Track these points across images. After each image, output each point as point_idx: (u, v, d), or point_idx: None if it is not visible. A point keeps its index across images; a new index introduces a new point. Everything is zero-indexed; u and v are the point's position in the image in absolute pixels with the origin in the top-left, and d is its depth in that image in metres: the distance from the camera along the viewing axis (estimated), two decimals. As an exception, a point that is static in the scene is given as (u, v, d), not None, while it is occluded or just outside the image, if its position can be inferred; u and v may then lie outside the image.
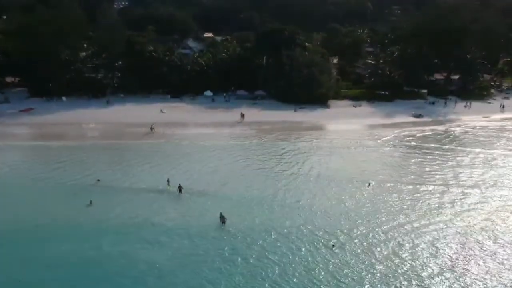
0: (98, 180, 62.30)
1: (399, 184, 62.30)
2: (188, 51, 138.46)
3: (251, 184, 61.96)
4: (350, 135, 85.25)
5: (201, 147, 77.32)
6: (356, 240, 47.68)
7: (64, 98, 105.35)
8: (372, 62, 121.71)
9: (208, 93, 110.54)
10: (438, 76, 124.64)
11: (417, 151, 76.92)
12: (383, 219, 52.32)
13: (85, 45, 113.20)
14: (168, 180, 60.40)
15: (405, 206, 55.63)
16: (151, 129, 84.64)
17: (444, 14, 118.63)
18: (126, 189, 60.23)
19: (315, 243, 47.01)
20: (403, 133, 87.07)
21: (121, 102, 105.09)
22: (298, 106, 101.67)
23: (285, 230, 49.72)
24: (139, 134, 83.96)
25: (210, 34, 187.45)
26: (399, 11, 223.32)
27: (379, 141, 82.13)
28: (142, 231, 49.30)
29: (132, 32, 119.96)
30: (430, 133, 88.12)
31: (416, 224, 51.10)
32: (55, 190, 59.76)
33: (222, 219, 51.26)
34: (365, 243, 47.13)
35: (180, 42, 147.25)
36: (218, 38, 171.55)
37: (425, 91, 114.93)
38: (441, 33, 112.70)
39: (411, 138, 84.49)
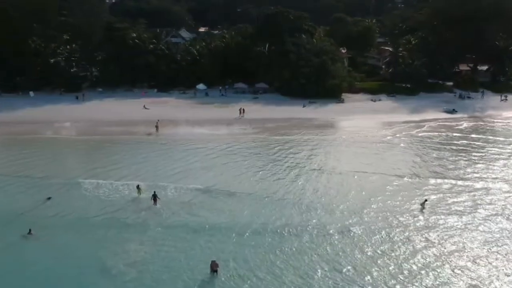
0: (49, 198, 43.00)
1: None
2: (179, 39, 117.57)
3: (260, 203, 42.44)
4: (376, 134, 65.52)
5: (188, 150, 57.71)
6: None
7: (31, 93, 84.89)
8: (390, 49, 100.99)
9: (201, 86, 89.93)
10: (462, 67, 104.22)
11: (468, 153, 57.52)
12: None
13: (61, 35, 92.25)
14: (138, 187, 43.83)
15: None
16: (156, 127, 65.22)
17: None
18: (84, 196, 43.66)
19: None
20: (441, 132, 67.43)
21: (99, 97, 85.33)
22: (307, 101, 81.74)
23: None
24: (114, 134, 64.41)
25: (206, 29, 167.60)
26: (402, 5, 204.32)
27: (416, 142, 62.16)
28: None
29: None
30: (473, 130, 68.66)
31: None
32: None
33: (214, 266, 31.30)
34: None
35: (171, 31, 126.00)
36: (214, 32, 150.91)
37: (450, 83, 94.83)
38: (467, 16, 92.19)
39: (452, 137, 64.99)
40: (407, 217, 39.48)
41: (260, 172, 49.83)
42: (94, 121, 70.26)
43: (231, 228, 37.28)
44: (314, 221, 38.71)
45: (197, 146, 58.58)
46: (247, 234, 36.57)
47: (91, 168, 51.07)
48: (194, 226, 37.72)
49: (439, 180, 47.69)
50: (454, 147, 59.64)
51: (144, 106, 77.68)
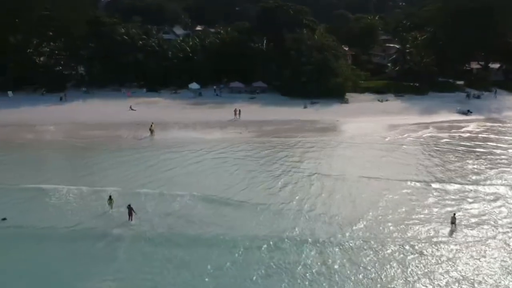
0: (4, 219, 35.04)
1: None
2: (171, 36, 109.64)
3: (256, 213, 36.39)
4: (385, 138, 57.97)
5: (173, 155, 50.37)
6: None
7: (10, 93, 77.09)
8: (397, 46, 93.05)
9: (194, 85, 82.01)
10: (473, 65, 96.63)
11: (489, 157, 50.33)
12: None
13: (44, 31, 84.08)
14: (110, 198, 36.55)
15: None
16: (150, 130, 57.66)
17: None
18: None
19: None
20: (456, 135, 60.02)
21: (82, 97, 77.57)
22: (309, 101, 74.00)
23: None
24: (95, 137, 56.85)
25: (202, 28, 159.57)
26: (403, 3, 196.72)
27: (430, 146, 54.78)
28: None
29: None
30: (491, 133, 61.42)
31: None
32: None
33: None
34: None
35: (163, 28, 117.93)
36: (211, 30, 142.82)
37: (461, 82, 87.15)
38: (479, 10, 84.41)
39: (469, 140, 57.44)
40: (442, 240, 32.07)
41: (257, 179, 43.43)
42: (74, 123, 63.04)
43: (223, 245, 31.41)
44: (322, 234, 32.94)
45: (184, 152, 51.40)
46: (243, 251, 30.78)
47: (63, 174, 45.23)
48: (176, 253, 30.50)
49: (460, 187, 41.88)
50: (471, 151, 52.82)
51: (130, 107, 69.92)
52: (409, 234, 32.93)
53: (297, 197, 39.00)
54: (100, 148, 53.09)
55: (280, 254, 30.33)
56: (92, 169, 46.10)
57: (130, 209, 34.73)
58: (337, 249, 30.93)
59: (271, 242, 31.57)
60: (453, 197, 39.48)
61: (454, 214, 34.37)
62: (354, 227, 33.75)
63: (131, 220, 34.52)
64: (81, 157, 50.59)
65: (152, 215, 35.86)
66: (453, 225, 33.49)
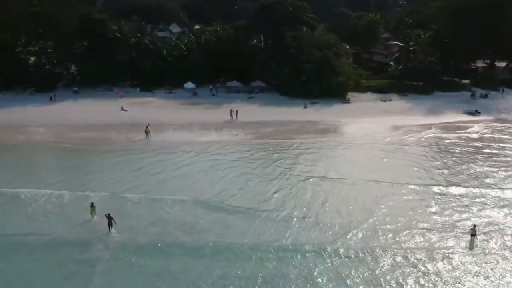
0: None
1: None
2: (166, 34, 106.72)
3: (253, 220, 33.84)
4: (390, 140, 54.90)
5: (162, 157, 47.88)
6: None
7: (-2, 93, 74.60)
8: (401, 44, 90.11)
9: (190, 85, 79.22)
10: (478, 63, 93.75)
11: (500, 159, 46.95)
12: None
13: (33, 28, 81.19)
14: (92, 205, 34.02)
15: None
16: (146, 133, 54.59)
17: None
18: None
19: None
20: (464, 136, 56.91)
21: (72, 97, 75.07)
22: (309, 101, 71.24)
23: None
24: (84, 139, 54.09)
25: (201, 26, 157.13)
26: (404, 1, 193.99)
27: (437, 148, 51.94)
28: None
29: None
30: (502, 134, 58.15)
31: None
32: None
33: None
34: None
35: (159, 25, 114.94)
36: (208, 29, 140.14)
37: (466, 81, 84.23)
38: (484, 7, 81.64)
39: (478, 141, 54.20)
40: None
41: (251, 183, 40.95)
42: (63, 124, 60.30)
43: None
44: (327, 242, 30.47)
45: (177, 153, 48.91)
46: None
47: (47, 177, 42.48)
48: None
49: (475, 190, 39.27)
50: (480, 153, 49.81)
51: (121, 108, 67.05)
52: (411, 245, 30.27)
53: (292, 203, 36.55)
54: (90, 150, 50.67)
55: (270, 265, 28.03)
56: (79, 173, 43.74)
57: (109, 218, 32.10)
58: (329, 262, 28.40)
59: (261, 252, 29.26)
60: (464, 202, 36.75)
61: (475, 225, 31.11)
62: (351, 237, 31.24)
63: (111, 229, 31.88)
64: (68, 160, 48.10)
65: (139, 222, 33.52)
66: (473, 237, 30.17)
